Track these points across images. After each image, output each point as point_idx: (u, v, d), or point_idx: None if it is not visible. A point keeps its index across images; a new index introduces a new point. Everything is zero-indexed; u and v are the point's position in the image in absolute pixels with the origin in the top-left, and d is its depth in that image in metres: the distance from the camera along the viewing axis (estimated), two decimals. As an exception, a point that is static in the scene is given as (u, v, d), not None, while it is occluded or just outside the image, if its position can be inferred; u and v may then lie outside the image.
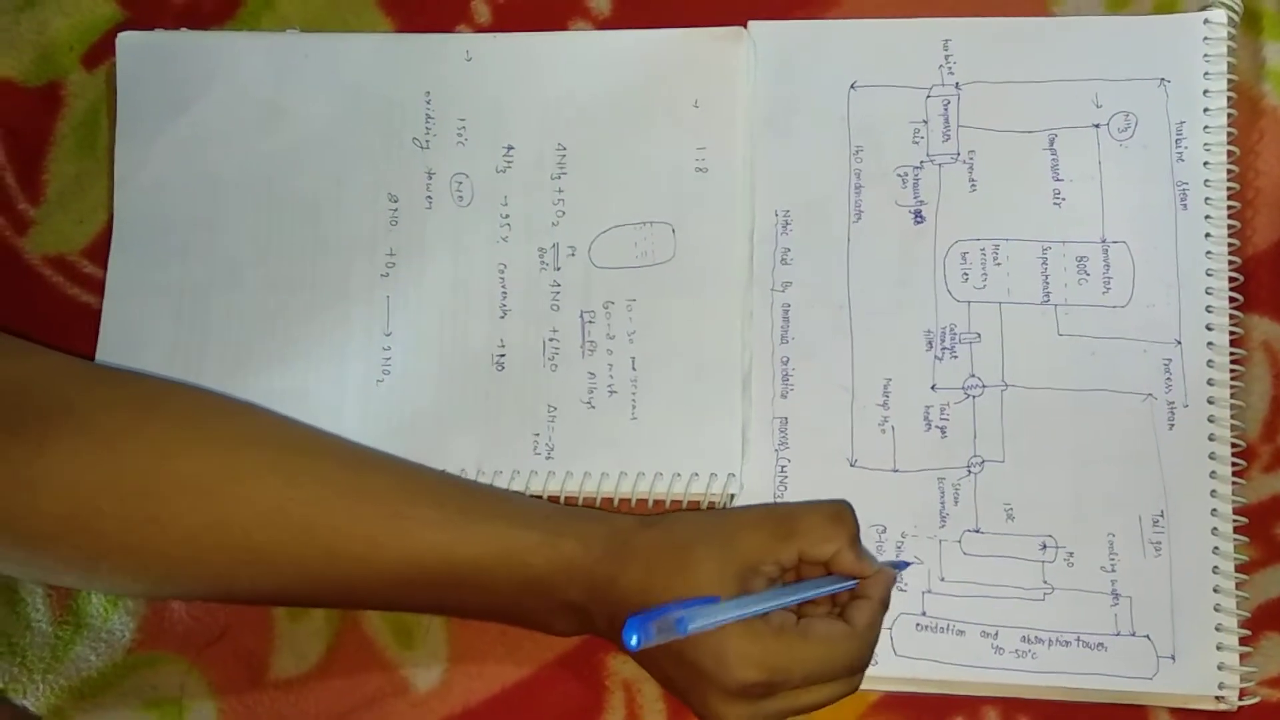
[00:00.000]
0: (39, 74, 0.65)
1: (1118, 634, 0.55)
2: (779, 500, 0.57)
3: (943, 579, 0.56)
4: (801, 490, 0.57)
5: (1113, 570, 0.55)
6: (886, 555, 0.57)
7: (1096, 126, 0.59)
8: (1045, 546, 0.56)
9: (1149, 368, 0.57)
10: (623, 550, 0.50)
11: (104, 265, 0.62)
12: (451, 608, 0.54)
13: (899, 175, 0.59)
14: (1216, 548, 0.55)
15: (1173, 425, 0.56)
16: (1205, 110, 0.58)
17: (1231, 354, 0.57)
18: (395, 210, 0.61)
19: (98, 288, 0.62)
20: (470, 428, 0.59)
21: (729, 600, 0.48)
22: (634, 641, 0.45)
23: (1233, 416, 0.56)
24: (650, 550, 0.50)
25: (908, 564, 0.56)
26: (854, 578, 0.51)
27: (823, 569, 0.52)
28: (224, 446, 0.47)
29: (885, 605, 0.52)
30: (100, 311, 0.61)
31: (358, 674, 0.58)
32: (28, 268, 0.63)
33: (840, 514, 0.51)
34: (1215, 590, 0.55)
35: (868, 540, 0.56)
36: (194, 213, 0.62)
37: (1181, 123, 0.58)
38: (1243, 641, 0.55)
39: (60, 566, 0.47)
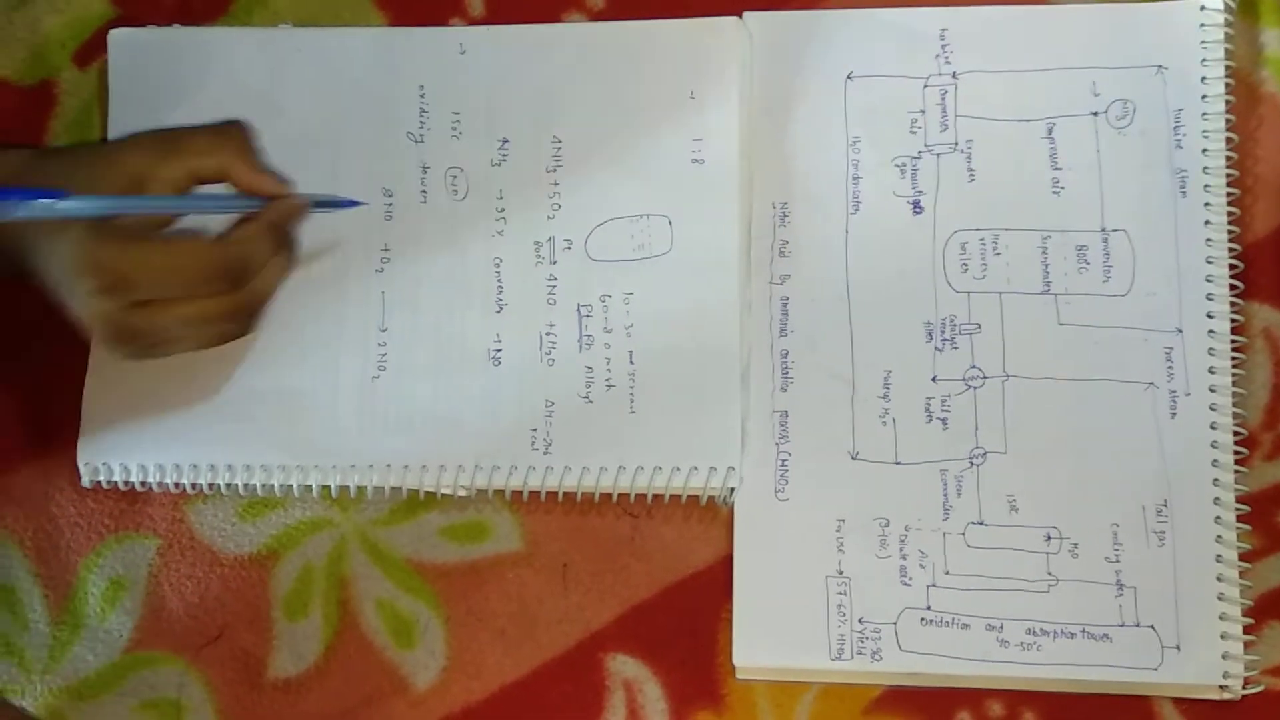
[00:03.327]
0: (32, 72, 0.61)
1: (1122, 625, 0.52)
2: (779, 496, 0.54)
3: (947, 572, 0.53)
4: (803, 483, 0.54)
5: (1117, 561, 0.52)
6: (890, 550, 0.53)
7: (1094, 115, 0.55)
8: (1049, 538, 0.53)
9: (1150, 356, 0.54)
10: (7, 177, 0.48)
11: (98, 264, 0.59)
12: None
13: (897, 166, 0.56)
14: (1219, 537, 0.52)
15: (1174, 414, 0.53)
16: (1203, 97, 0.55)
17: (1232, 342, 0.54)
18: (390, 205, 0.58)
19: (92, 287, 0.58)
20: (467, 423, 0.55)
21: (77, 198, 0.47)
22: None
23: (1234, 405, 0.53)
24: (33, 178, 0.48)
25: (352, 202, 0.53)
26: (256, 196, 0.51)
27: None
28: None
29: (276, 230, 0.51)
30: (94, 310, 0.58)
31: (356, 673, 0.55)
32: (21, 267, 0.60)
33: (227, 127, 0.51)
34: (1219, 579, 0.52)
35: (868, 532, 0.53)
36: (187, 210, 0.58)
37: (1179, 110, 0.55)
38: (1246, 630, 0.52)
39: None
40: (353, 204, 0.55)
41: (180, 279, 0.49)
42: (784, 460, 0.54)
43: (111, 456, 0.57)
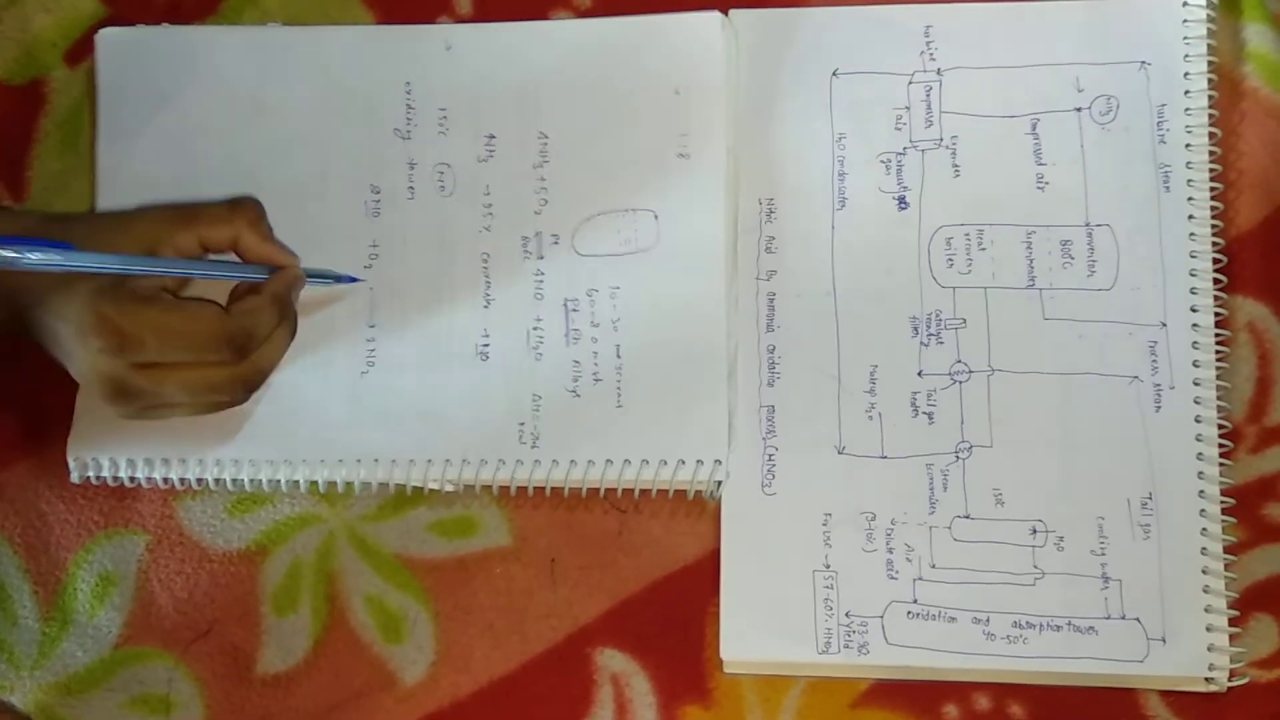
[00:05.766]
0: (22, 72, 0.60)
1: (1108, 617, 0.51)
2: (766, 491, 0.53)
3: (933, 566, 0.51)
4: (789, 478, 0.53)
5: (1102, 554, 0.51)
6: (877, 544, 0.52)
7: (1078, 110, 0.54)
8: (1035, 531, 0.51)
9: (1135, 350, 0.52)
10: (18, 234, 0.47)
11: (87, 261, 0.57)
12: None
13: (882, 162, 0.55)
14: (1205, 529, 0.51)
15: (1159, 408, 0.52)
16: (1186, 93, 0.54)
17: (1217, 335, 0.53)
18: (378, 201, 0.56)
19: (81, 284, 0.57)
20: (455, 417, 0.54)
21: (85, 254, 0.46)
22: None
23: (1219, 398, 0.52)
24: (45, 237, 0.46)
25: (350, 278, 0.54)
26: (264, 266, 0.51)
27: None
28: None
29: (279, 301, 0.51)
30: (83, 307, 0.57)
31: (344, 668, 0.54)
32: (11, 264, 0.58)
33: (240, 201, 0.51)
34: (1204, 572, 0.51)
35: (855, 526, 0.52)
36: (177, 207, 0.57)
37: (1163, 105, 0.54)
38: (1232, 623, 0.51)
39: None
40: (351, 280, 0.55)
41: (187, 343, 0.48)
42: (770, 455, 0.53)
43: (101, 452, 0.55)
